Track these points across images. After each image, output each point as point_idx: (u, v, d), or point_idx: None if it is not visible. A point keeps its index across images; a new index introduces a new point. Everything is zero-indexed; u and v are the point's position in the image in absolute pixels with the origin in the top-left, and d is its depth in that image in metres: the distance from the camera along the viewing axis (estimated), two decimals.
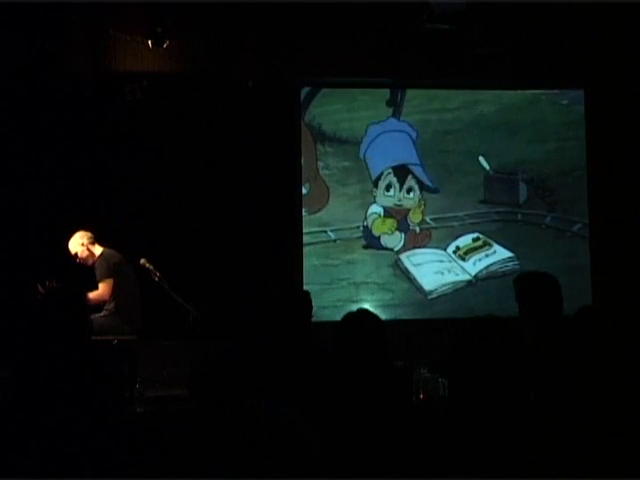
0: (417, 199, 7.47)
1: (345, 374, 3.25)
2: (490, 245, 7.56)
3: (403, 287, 7.42)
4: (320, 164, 7.38)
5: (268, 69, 6.95)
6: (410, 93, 7.54)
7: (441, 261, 7.49)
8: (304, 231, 7.31)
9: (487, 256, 7.55)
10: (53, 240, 6.31)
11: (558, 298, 3.90)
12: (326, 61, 7.02)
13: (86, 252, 5.98)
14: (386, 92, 7.51)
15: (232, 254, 6.89)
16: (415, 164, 7.48)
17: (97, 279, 5.91)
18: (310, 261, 7.31)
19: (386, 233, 7.43)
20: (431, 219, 7.48)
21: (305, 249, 7.31)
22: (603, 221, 7.55)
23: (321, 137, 7.40)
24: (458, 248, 7.53)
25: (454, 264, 7.50)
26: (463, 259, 7.52)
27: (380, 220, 7.43)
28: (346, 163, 7.42)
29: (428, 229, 7.48)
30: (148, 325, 6.03)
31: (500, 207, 7.60)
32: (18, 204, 6.60)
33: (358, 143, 7.42)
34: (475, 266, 7.50)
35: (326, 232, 7.35)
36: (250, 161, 7.06)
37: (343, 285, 7.35)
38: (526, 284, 3.98)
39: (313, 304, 4.15)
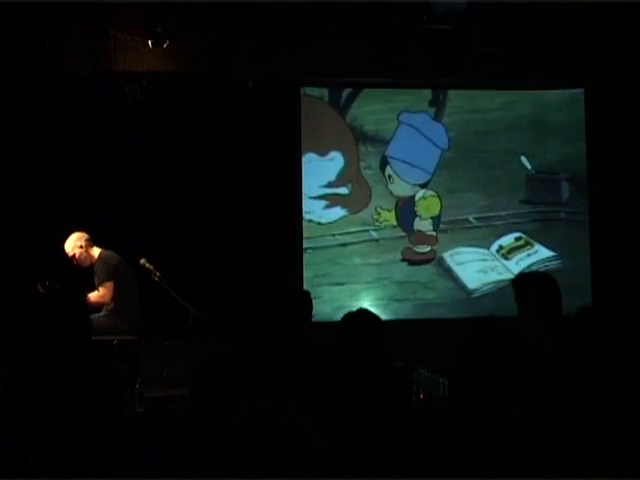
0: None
1: (345, 374, 3.25)
2: (532, 245, 7.60)
3: (446, 286, 7.44)
4: (362, 164, 7.44)
5: (268, 69, 6.95)
6: (452, 93, 7.59)
7: (484, 260, 7.52)
8: (349, 230, 7.37)
9: (529, 255, 7.58)
10: (53, 240, 6.31)
11: (557, 298, 3.90)
12: (326, 61, 7.02)
13: (84, 254, 5.95)
14: (428, 92, 7.56)
15: (232, 254, 6.89)
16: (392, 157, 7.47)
17: (97, 282, 5.89)
18: (353, 260, 7.37)
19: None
20: (474, 218, 7.53)
21: (347, 248, 7.37)
22: (603, 221, 7.56)
23: (363, 137, 7.44)
24: (501, 247, 7.58)
25: (497, 263, 7.53)
26: (506, 258, 7.56)
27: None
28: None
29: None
30: (148, 325, 6.02)
31: (542, 206, 7.62)
32: (18, 204, 6.60)
33: None
34: (518, 265, 7.53)
35: (368, 231, 7.40)
36: (250, 161, 7.06)
37: (385, 284, 7.40)
38: (525, 284, 3.98)
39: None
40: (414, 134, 7.48)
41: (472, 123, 7.57)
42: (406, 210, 7.46)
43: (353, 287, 7.34)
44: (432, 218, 7.48)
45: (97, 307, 5.79)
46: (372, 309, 7.03)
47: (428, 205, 7.47)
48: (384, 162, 7.44)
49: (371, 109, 7.47)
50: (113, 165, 6.81)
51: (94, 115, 6.75)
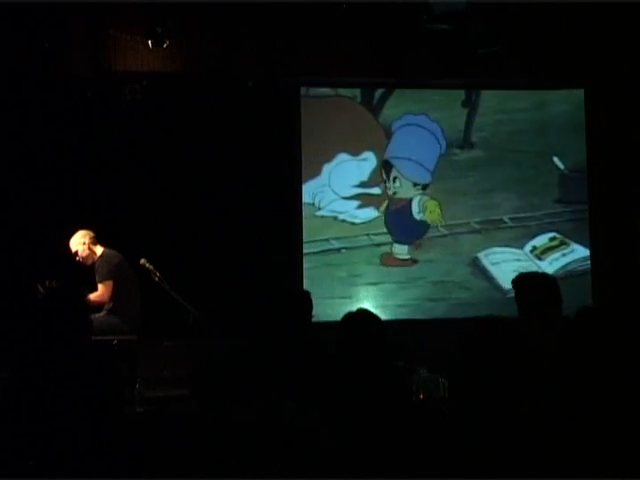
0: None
1: (345, 374, 3.25)
2: (567, 244, 7.62)
3: (481, 286, 7.47)
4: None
5: (268, 69, 6.95)
6: (485, 94, 7.62)
7: (518, 260, 7.53)
8: (382, 230, 7.42)
9: (564, 255, 7.60)
10: (53, 240, 6.31)
11: (557, 298, 3.90)
12: (326, 61, 7.02)
13: (87, 251, 5.99)
14: (461, 93, 7.60)
15: (232, 254, 6.89)
16: (397, 157, 7.48)
17: (97, 280, 5.91)
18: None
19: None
20: (508, 218, 7.57)
21: (381, 248, 7.42)
22: (604, 221, 7.56)
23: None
24: (535, 248, 7.60)
25: (531, 263, 7.54)
26: (540, 258, 7.58)
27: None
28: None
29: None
30: (148, 325, 6.03)
31: (576, 205, 7.64)
32: (18, 204, 6.60)
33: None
34: (552, 265, 7.54)
35: None
36: (250, 161, 7.06)
37: (420, 284, 7.43)
38: (525, 285, 3.98)
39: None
40: (415, 132, 7.48)
41: (504, 123, 7.60)
42: (399, 213, 7.47)
43: (387, 287, 7.39)
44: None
45: (97, 306, 5.79)
46: (406, 309, 7.04)
47: (431, 208, 7.49)
48: (388, 165, 7.44)
49: (404, 109, 7.51)
50: (113, 165, 6.81)
51: (94, 115, 6.75)
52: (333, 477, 1.43)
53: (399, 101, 7.50)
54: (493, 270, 7.47)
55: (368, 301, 7.21)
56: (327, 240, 7.35)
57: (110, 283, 5.90)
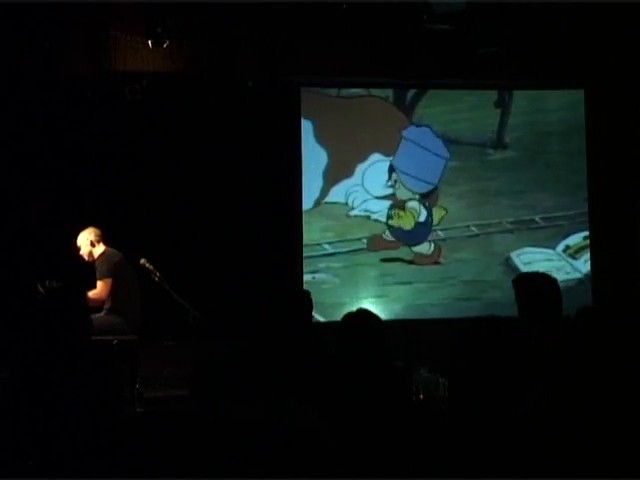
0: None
1: (345, 374, 3.25)
2: None
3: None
4: None
5: (268, 69, 6.95)
6: (517, 94, 7.65)
7: (550, 260, 7.58)
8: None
9: None
10: (53, 240, 6.31)
11: (557, 298, 3.90)
12: (326, 61, 7.02)
13: (88, 248, 6.03)
14: (494, 93, 7.65)
15: (232, 254, 6.89)
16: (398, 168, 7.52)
17: (97, 277, 5.93)
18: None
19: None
20: (540, 218, 7.62)
21: (414, 248, 7.47)
22: (604, 221, 7.56)
23: None
24: (568, 247, 7.64)
25: (564, 263, 7.59)
26: (574, 257, 7.61)
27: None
28: (455, 163, 7.56)
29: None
30: (148, 325, 6.03)
31: None
32: (18, 204, 6.60)
33: (466, 143, 7.55)
34: (586, 265, 7.59)
35: (435, 231, 7.50)
36: (250, 161, 7.06)
37: (452, 283, 7.48)
38: (525, 284, 3.99)
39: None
40: (416, 149, 7.52)
41: (536, 124, 7.65)
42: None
43: (419, 286, 7.45)
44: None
45: (97, 306, 5.79)
46: (438, 308, 7.08)
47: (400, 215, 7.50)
48: (391, 168, 7.47)
49: (437, 110, 7.57)
50: (113, 165, 6.81)
51: (94, 115, 6.75)
52: (333, 477, 1.43)
53: (431, 102, 7.57)
54: (526, 270, 7.42)
55: (400, 301, 7.34)
56: (359, 239, 7.42)
57: (109, 281, 5.91)
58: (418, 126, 7.51)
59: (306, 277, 7.32)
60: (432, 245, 7.50)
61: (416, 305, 7.32)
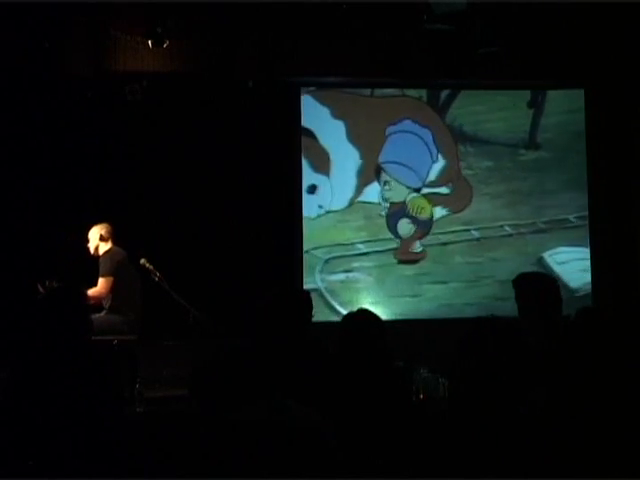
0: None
1: (345, 374, 3.25)
2: None
3: None
4: (462, 164, 7.55)
5: (268, 69, 6.94)
6: (550, 94, 7.66)
7: (585, 259, 7.58)
8: (450, 229, 7.50)
9: None
10: (53, 240, 6.31)
11: (557, 298, 3.90)
12: (326, 61, 7.02)
13: (96, 242, 6.06)
14: (526, 93, 7.66)
15: (232, 254, 6.89)
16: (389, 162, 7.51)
17: (100, 274, 5.94)
18: (455, 259, 7.49)
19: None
20: (574, 217, 7.62)
21: (449, 247, 7.51)
22: (604, 221, 7.56)
23: (462, 138, 7.57)
24: None
25: None
26: None
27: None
28: (488, 163, 7.58)
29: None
30: (148, 325, 6.02)
31: None
32: (18, 204, 6.60)
33: (499, 144, 7.58)
34: None
35: (469, 231, 7.52)
36: (250, 161, 7.06)
37: (487, 282, 7.49)
38: (525, 284, 3.99)
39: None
40: (407, 137, 7.52)
41: (568, 123, 7.66)
42: (400, 216, 7.50)
43: (455, 285, 7.46)
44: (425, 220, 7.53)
45: (97, 305, 5.79)
46: (474, 307, 7.05)
47: (421, 205, 7.51)
48: (377, 169, 7.47)
49: (470, 110, 7.60)
50: (112, 165, 6.81)
51: (94, 115, 6.75)
52: (334, 477, 1.43)
53: (465, 102, 7.59)
54: (559, 269, 7.50)
55: (434, 300, 7.36)
56: (393, 239, 7.45)
57: (110, 279, 5.91)
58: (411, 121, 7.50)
59: (339, 276, 7.36)
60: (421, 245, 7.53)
61: (451, 304, 7.34)
